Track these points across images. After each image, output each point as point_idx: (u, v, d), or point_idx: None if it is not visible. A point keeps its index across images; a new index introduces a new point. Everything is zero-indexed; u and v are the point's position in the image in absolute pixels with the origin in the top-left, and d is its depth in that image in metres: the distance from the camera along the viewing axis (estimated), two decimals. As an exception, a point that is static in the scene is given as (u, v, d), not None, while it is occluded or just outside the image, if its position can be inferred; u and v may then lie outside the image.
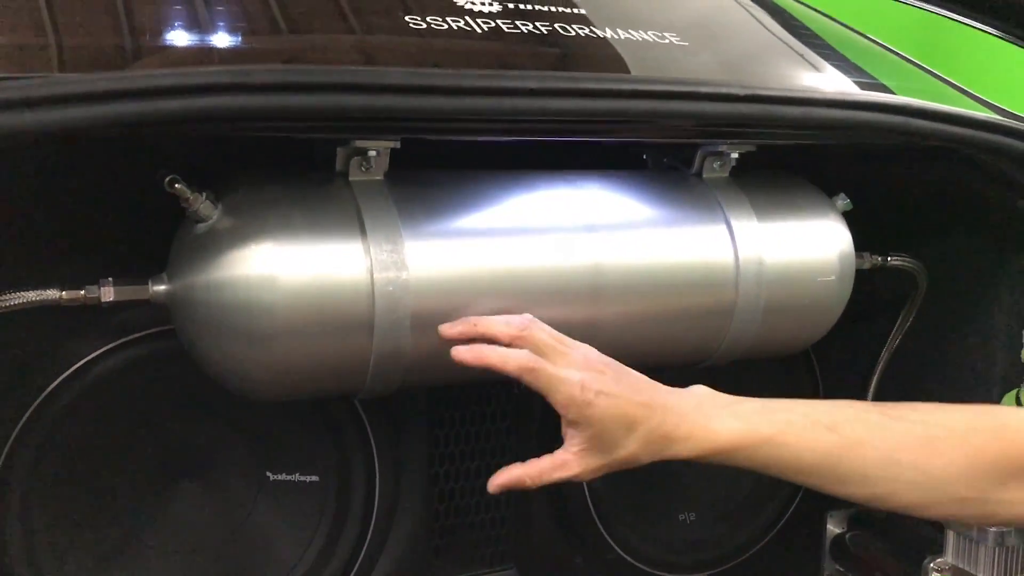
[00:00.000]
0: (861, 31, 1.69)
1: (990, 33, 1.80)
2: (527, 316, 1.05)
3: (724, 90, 1.10)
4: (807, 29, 1.59)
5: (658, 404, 1.01)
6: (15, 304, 1.04)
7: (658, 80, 1.13)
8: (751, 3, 1.64)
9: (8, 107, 0.86)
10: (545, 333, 1.03)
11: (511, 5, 1.18)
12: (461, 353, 1.02)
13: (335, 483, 1.41)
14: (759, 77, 1.33)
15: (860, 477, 1.00)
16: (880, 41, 1.68)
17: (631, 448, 1.00)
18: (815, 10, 1.72)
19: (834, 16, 1.71)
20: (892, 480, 1.00)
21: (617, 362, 1.04)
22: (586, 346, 1.05)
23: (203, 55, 1.06)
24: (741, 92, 1.10)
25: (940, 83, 1.61)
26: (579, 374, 0.99)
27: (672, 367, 1.10)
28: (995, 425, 1.02)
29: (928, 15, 1.86)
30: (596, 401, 0.98)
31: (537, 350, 1.01)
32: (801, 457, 1.00)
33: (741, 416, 1.01)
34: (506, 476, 1.03)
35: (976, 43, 1.86)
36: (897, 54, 1.66)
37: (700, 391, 1.04)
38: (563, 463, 1.01)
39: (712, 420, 1.00)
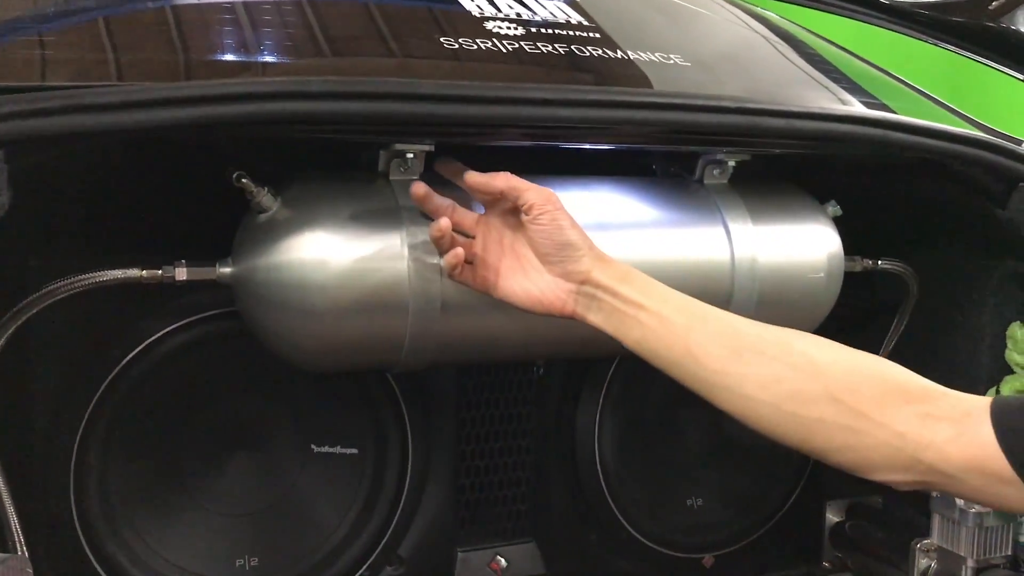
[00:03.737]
0: (873, 62, 1.76)
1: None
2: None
3: (715, 103, 1.21)
4: (818, 55, 1.66)
5: None
6: (104, 280, 1.16)
7: (657, 93, 1.25)
8: (758, 28, 1.71)
9: (108, 109, 1.00)
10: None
11: (533, 29, 1.31)
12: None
13: (372, 456, 1.51)
14: (756, 92, 1.41)
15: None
16: (889, 71, 1.76)
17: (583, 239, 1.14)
18: (832, 43, 1.79)
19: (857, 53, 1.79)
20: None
21: None
22: None
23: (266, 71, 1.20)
24: (731, 105, 1.21)
25: (937, 106, 1.69)
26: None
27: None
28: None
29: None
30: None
31: None
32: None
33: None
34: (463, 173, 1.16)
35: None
36: (904, 82, 1.73)
37: None
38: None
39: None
